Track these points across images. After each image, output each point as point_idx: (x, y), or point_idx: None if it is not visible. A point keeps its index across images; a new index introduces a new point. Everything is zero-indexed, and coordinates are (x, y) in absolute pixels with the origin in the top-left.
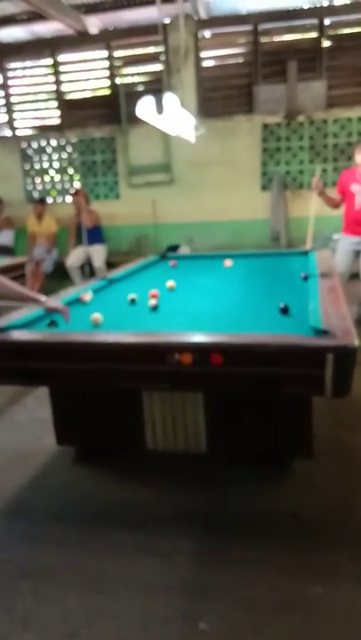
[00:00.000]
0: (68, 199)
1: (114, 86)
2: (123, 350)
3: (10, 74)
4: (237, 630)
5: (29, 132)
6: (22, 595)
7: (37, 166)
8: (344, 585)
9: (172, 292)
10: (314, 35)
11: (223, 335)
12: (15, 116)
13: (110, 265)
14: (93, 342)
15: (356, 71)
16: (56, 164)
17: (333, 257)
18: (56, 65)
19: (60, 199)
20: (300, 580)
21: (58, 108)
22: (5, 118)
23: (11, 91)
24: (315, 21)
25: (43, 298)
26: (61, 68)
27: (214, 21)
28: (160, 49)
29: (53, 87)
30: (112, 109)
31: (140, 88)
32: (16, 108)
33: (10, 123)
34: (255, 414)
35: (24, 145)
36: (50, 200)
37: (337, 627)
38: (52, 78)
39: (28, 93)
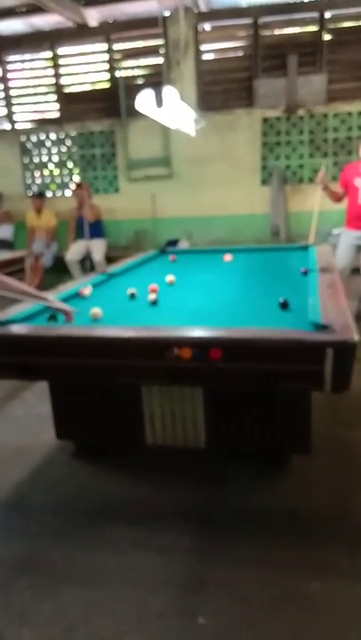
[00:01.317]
0: (68, 193)
1: (113, 79)
2: (122, 345)
3: (9, 67)
4: (235, 625)
5: (29, 126)
6: (20, 590)
7: (37, 160)
8: (341, 581)
9: (172, 287)
10: (314, 28)
11: (222, 330)
12: (14, 109)
13: (109, 259)
14: (93, 337)
15: (356, 65)
16: (55, 158)
17: (334, 252)
18: (55, 58)
19: (59, 193)
20: (297, 575)
21: (57, 101)
22: (4, 112)
23: (10, 84)
24: (315, 15)
25: (50, 297)
26: (61, 61)
27: (214, 14)
28: (160, 42)
29: (53, 80)
30: (111, 103)
31: (140, 81)
32: (15, 101)
33: (9, 116)
34: (254, 410)
35: (23, 138)
36: (49, 194)
37: (333, 622)
38: (52, 71)
39: (28, 86)
